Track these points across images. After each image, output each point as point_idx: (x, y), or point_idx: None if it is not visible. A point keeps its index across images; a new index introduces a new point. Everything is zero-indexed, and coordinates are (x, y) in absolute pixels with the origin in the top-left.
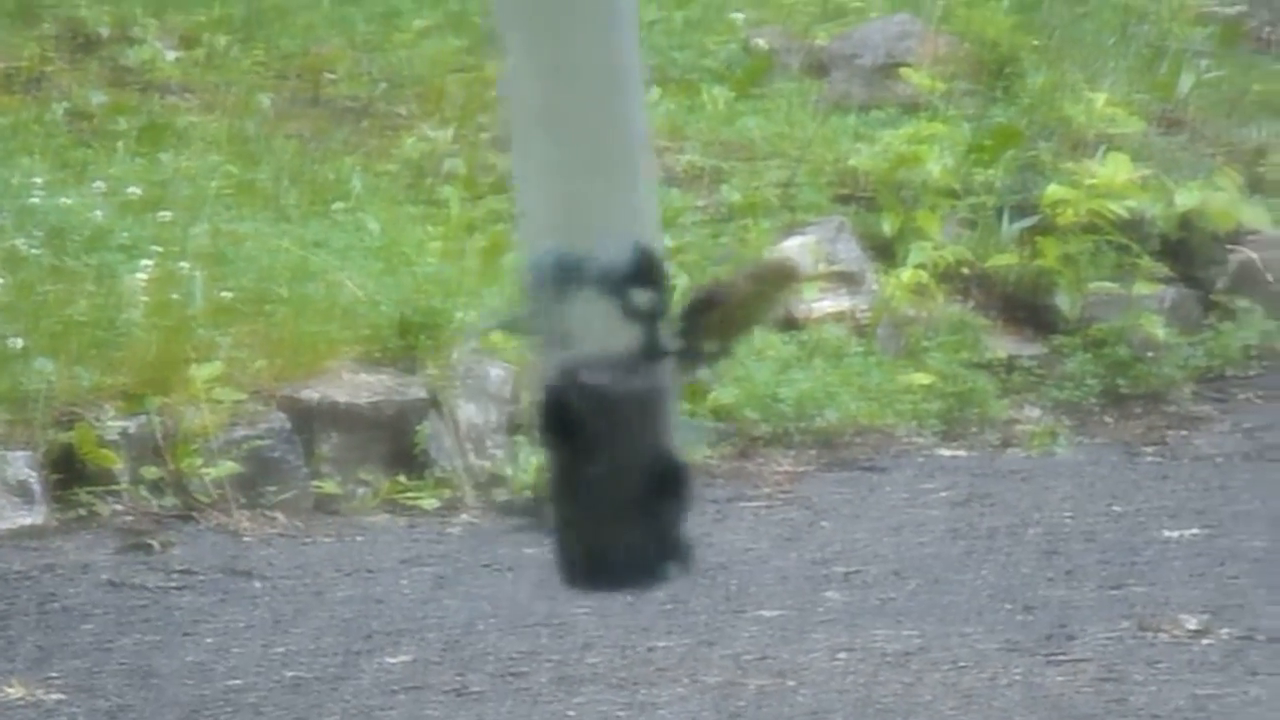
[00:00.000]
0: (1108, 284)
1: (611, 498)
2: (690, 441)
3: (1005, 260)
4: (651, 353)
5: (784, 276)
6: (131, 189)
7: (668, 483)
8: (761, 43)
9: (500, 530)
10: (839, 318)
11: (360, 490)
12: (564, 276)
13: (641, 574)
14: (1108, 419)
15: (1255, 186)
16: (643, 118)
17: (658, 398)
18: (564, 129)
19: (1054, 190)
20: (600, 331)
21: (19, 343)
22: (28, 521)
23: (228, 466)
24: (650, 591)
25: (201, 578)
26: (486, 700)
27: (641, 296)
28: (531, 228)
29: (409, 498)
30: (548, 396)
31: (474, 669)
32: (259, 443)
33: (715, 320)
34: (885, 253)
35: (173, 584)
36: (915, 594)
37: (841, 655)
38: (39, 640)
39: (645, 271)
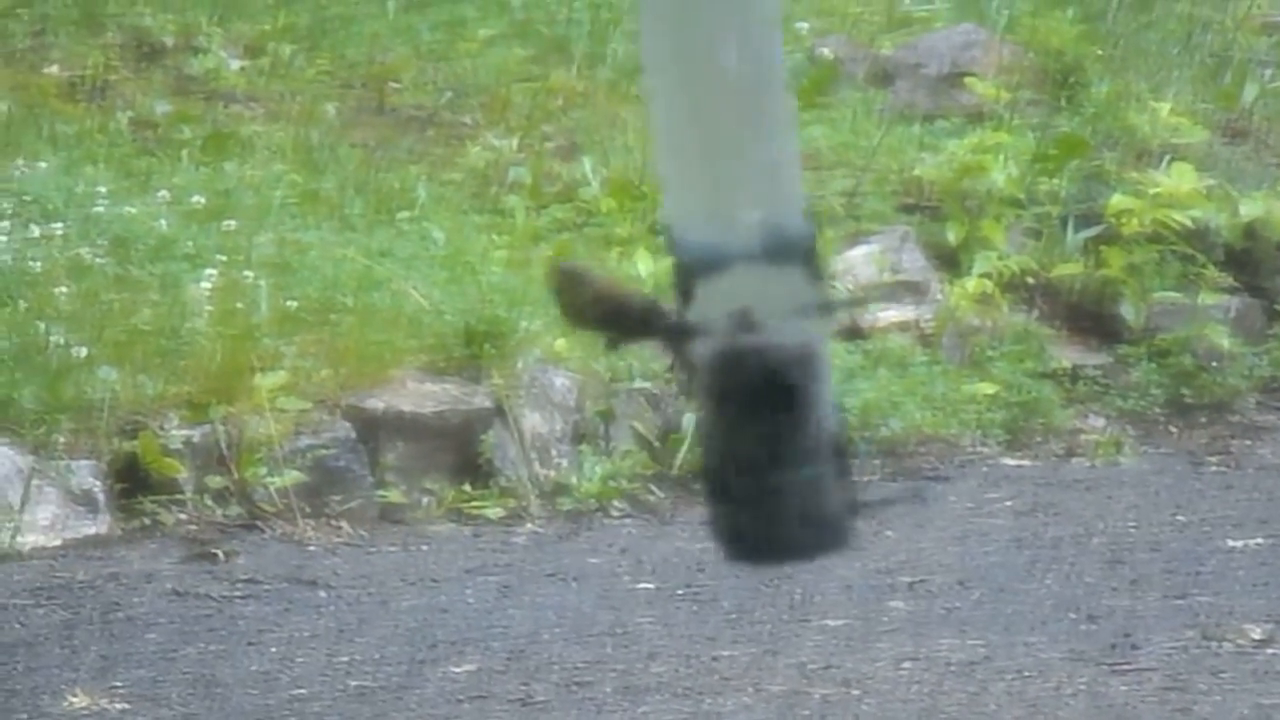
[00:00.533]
0: (1172, 294)
1: (815, 459)
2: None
3: (1070, 270)
4: (822, 311)
5: None
6: (196, 198)
7: (842, 445)
8: (826, 52)
9: (567, 534)
10: (904, 327)
11: (425, 499)
12: (713, 251)
13: (832, 537)
14: (1172, 429)
15: None
16: (784, 95)
17: (827, 356)
18: (706, 107)
19: (1118, 200)
20: (770, 299)
21: (84, 352)
22: (92, 531)
23: (292, 475)
24: (834, 555)
25: (266, 587)
26: (551, 710)
27: (809, 259)
28: (678, 203)
29: (474, 507)
30: (742, 364)
31: (539, 679)
32: (324, 452)
33: None
34: (950, 262)
35: (237, 593)
36: (980, 603)
37: (906, 665)
38: (103, 650)
39: (809, 235)
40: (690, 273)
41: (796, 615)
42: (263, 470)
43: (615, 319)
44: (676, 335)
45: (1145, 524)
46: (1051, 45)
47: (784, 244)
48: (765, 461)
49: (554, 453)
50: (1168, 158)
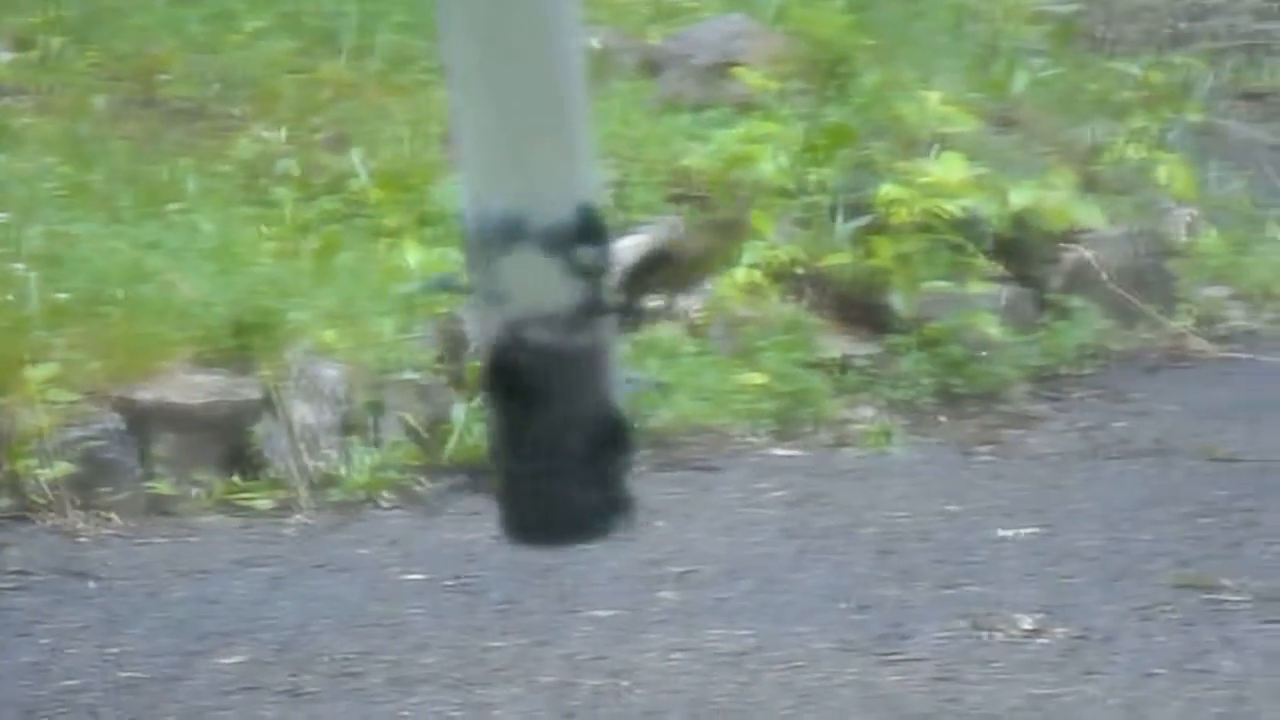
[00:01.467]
0: (942, 283)
1: (558, 453)
2: (633, 396)
3: (839, 259)
4: (596, 309)
5: (736, 230)
6: None
7: (612, 437)
8: (595, 43)
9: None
10: (673, 317)
11: (195, 491)
12: (508, 234)
13: (588, 528)
14: (942, 418)
15: (1089, 185)
16: (581, 81)
17: (601, 353)
18: (504, 90)
19: (888, 189)
20: (543, 289)
21: None
22: None
23: (62, 467)
24: (595, 544)
25: (36, 578)
26: (321, 701)
27: (586, 253)
28: (473, 188)
29: (243, 498)
30: (494, 353)
31: (308, 669)
32: (94, 443)
33: (665, 276)
34: None
35: (8, 585)
36: (749, 594)
37: (676, 655)
38: None
39: (590, 229)
40: (477, 246)
41: (566, 606)
42: (33, 462)
43: None
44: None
45: (915, 513)
46: (820, 35)
47: (563, 233)
48: (507, 450)
49: (323, 444)
50: (937, 147)
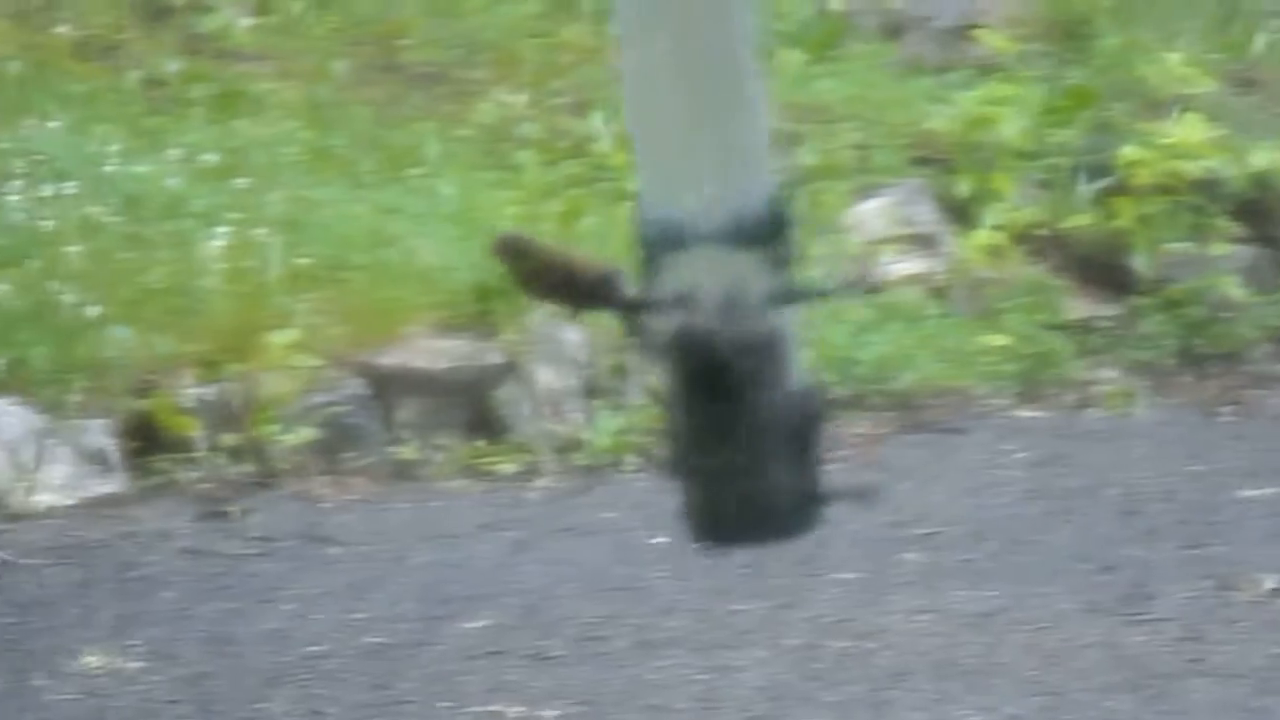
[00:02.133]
0: (1183, 244)
1: (754, 449)
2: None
3: (1081, 221)
4: (786, 298)
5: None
6: (207, 156)
7: (809, 427)
8: (835, 5)
9: (579, 492)
10: (915, 280)
11: (438, 456)
12: (687, 232)
13: (785, 525)
14: (1185, 379)
15: None
16: (756, 70)
17: (791, 342)
18: (679, 82)
19: (1129, 151)
20: (731, 284)
21: (96, 311)
22: (106, 490)
23: (306, 433)
24: (791, 541)
25: (280, 544)
26: (566, 664)
27: (774, 245)
28: (651, 186)
29: (487, 463)
30: (685, 354)
31: (553, 634)
32: (337, 409)
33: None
34: (961, 215)
35: (251, 551)
36: (994, 555)
37: (921, 617)
38: (118, 609)
39: (777, 220)
40: (653, 248)
41: (810, 569)
42: (276, 428)
43: (566, 289)
44: (632, 309)
45: (1158, 474)
46: None
47: (748, 227)
48: (702, 444)
49: (566, 408)
50: (1178, 108)
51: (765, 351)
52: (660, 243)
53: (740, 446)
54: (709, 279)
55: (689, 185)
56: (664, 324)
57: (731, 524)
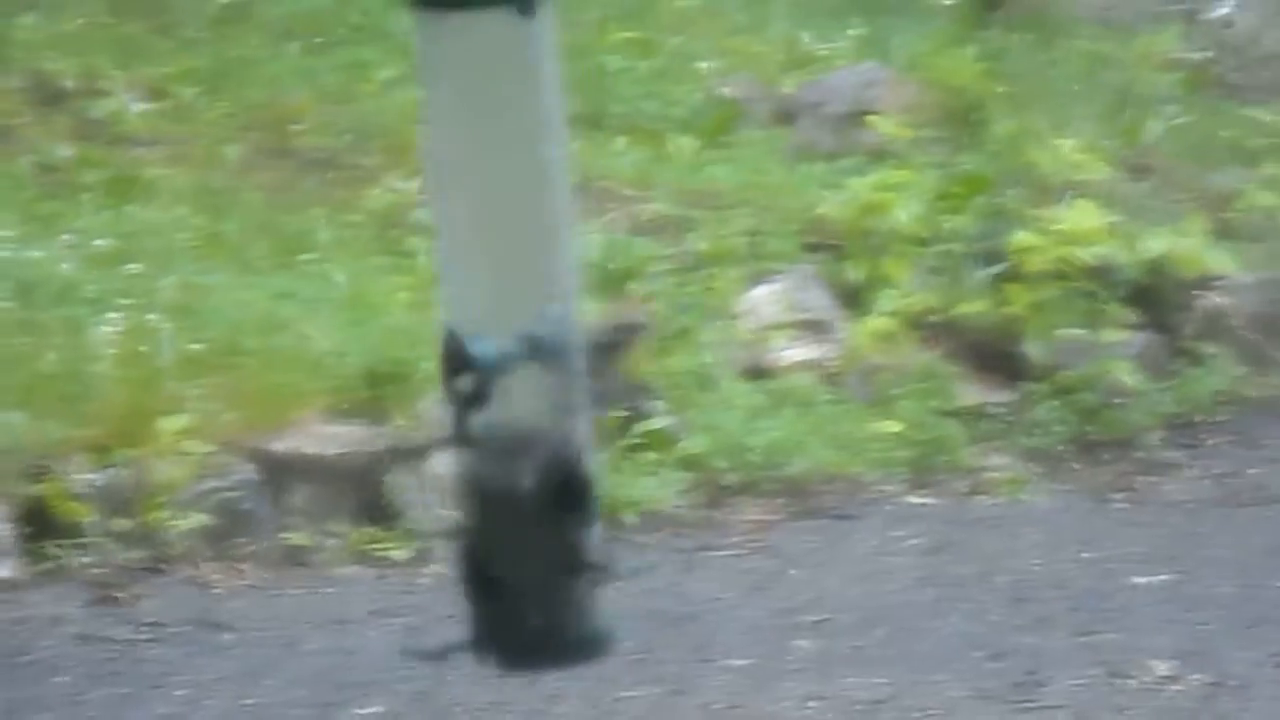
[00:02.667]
0: (1076, 330)
1: (528, 586)
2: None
3: (974, 307)
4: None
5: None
6: (99, 241)
7: (576, 558)
8: (728, 91)
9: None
10: (808, 366)
11: (330, 541)
12: (485, 356)
13: (560, 653)
14: (1076, 465)
15: (1223, 232)
16: (567, 207)
17: (570, 472)
18: (485, 196)
19: (1022, 237)
20: (506, 410)
21: None
22: (0, 574)
23: (197, 519)
24: (572, 668)
25: (172, 630)
26: None
27: (567, 374)
28: (458, 313)
29: (379, 549)
30: (464, 490)
31: None
32: (228, 494)
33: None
34: (854, 300)
35: (143, 636)
36: (885, 642)
37: (812, 704)
38: (9, 694)
39: (566, 349)
40: (452, 369)
41: (701, 655)
42: (167, 513)
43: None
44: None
45: (1050, 561)
46: (954, 83)
47: (549, 350)
48: (495, 570)
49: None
50: (1070, 194)
51: (520, 493)
52: (458, 364)
53: (532, 574)
54: (505, 403)
55: (496, 313)
56: (459, 460)
57: (526, 647)
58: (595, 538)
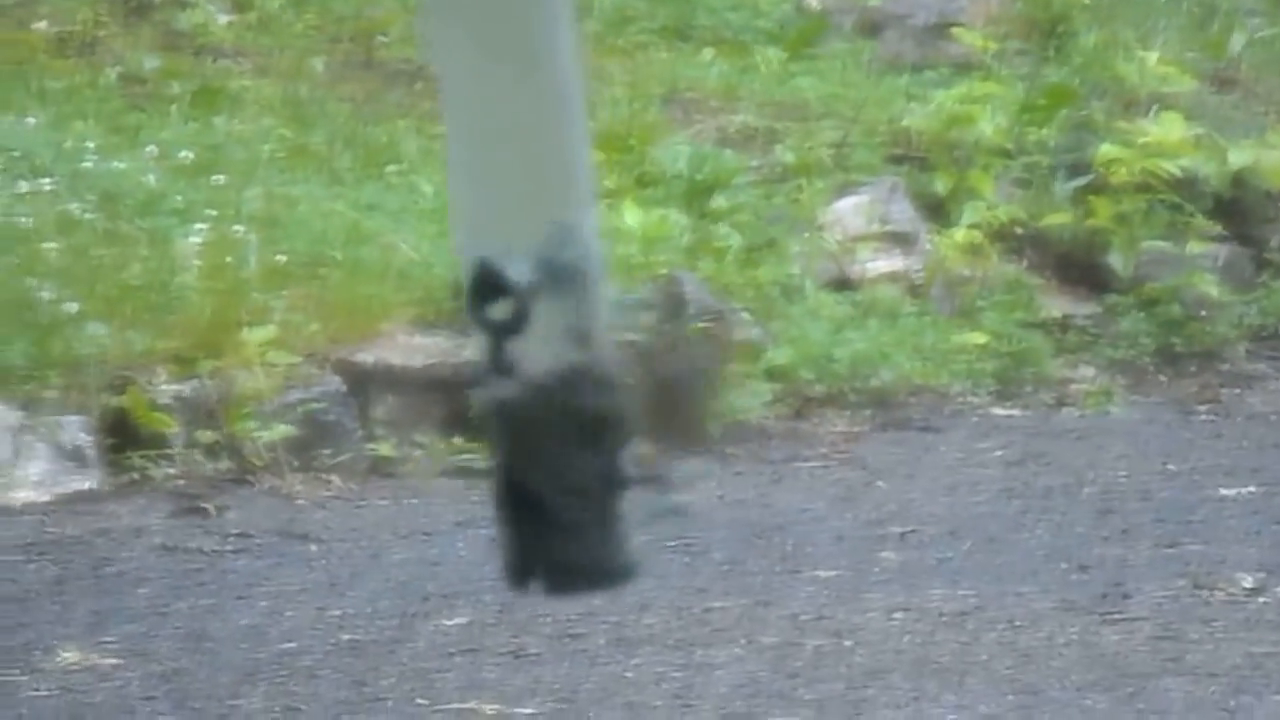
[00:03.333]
0: (1161, 243)
1: (558, 503)
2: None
3: (1059, 219)
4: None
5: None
6: (184, 153)
7: (608, 494)
8: (813, 3)
9: None
10: (893, 278)
11: (415, 452)
12: (502, 278)
13: (598, 576)
14: (1162, 378)
15: None
16: (580, 115)
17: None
18: (494, 111)
19: (1107, 149)
20: (532, 337)
21: (73, 307)
22: (82, 486)
23: (282, 430)
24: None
25: (256, 541)
26: (543, 662)
27: (580, 294)
28: (463, 224)
29: (465, 459)
30: (495, 406)
31: (530, 631)
32: (314, 406)
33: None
34: (939, 213)
35: (228, 547)
36: (971, 554)
37: (898, 615)
38: (93, 605)
39: (580, 271)
40: (473, 293)
41: (788, 566)
42: (252, 424)
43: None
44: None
45: (1136, 473)
46: None
47: (569, 271)
48: (514, 499)
49: None
50: (1156, 107)
51: (531, 416)
52: (492, 290)
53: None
54: (527, 327)
55: (504, 230)
56: (485, 392)
57: (565, 570)
58: (631, 459)
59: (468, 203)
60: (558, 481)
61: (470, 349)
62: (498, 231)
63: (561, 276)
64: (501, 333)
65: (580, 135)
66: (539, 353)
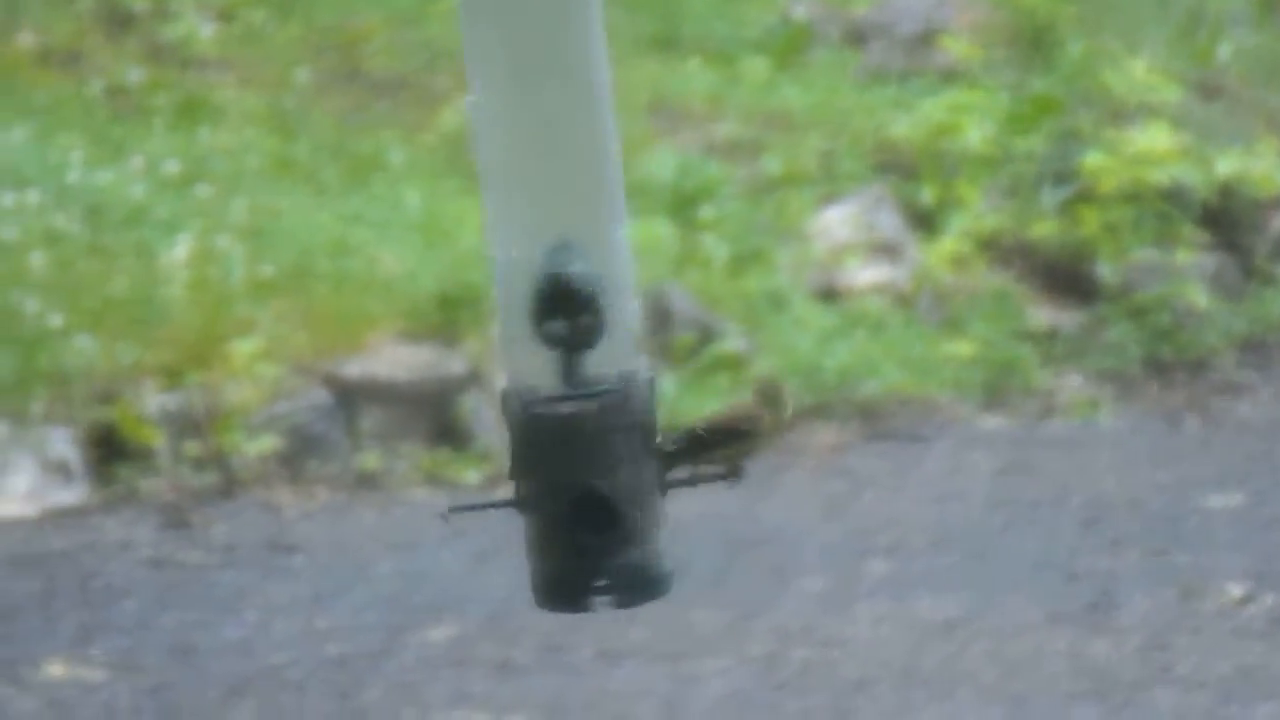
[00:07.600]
0: (1148, 252)
1: (544, 520)
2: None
3: (1046, 229)
4: (572, 383)
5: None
6: (169, 165)
7: (597, 518)
8: (800, 13)
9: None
10: (880, 288)
11: (402, 464)
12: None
13: (566, 598)
14: (1149, 387)
15: None
16: (610, 139)
17: (581, 430)
18: (528, 129)
19: (1094, 158)
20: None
21: (59, 319)
22: (69, 499)
23: (269, 442)
24: (576, 612)
25: (243, 553)
26: (530, 674)
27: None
28: (501, 240)
29: (450, 472)
30: (510, 419)
31: (516, 643)
32: (300, 418)
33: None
34: (926, 222)
35: (214, 560)
36: (958, 564)
37: (885, 625)
38: (81, 618)
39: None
40: (508, 290)
41: (775, 577)
42: (239, 437)
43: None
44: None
45: (1123, 482)
46: (1025, 3)
47: (604, 284)
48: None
49: None
50: (1142, 116)
51: (546, 431)
52: (562, 304)
53: (627, 509)
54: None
55: (531, 234)
56: (550, 408)
57: (614, 586)
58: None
59: (510, 215)
60: (629, 491)
61: (500, 364)
62: (547, 243)
63: (603, 288)
64: (575, 346)
65: (612, 148)
66: (606, 364)
